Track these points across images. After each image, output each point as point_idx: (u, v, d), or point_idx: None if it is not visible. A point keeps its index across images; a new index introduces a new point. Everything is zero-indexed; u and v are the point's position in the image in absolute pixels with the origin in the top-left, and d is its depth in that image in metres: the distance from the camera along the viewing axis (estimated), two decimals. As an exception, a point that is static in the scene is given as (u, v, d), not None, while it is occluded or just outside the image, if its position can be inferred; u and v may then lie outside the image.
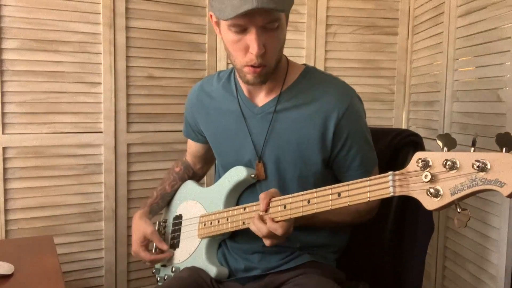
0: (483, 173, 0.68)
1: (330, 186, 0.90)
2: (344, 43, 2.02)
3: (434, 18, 1.84)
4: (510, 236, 1.37)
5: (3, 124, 1.62)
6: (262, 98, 1.11)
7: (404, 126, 2.07)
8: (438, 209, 0.74)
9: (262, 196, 0.99)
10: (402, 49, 2.05)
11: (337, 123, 1.04)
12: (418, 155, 0.76)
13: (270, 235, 0.95)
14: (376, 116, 2.06)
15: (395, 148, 1.22)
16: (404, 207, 1.15)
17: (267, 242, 0.98)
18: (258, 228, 0.96)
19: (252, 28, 0.94)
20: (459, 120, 1.63)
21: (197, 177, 1.38)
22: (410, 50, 2.04)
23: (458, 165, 0.71)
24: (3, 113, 1.62)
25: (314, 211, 0.92)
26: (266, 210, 0.98)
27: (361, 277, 1.18)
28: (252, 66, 0.98)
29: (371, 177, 0.84)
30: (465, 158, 0.70)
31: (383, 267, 1.19)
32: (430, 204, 0.74)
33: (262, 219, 0.97)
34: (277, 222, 0.95)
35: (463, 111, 1.62)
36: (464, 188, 0.70)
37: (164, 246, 1.21)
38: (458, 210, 0.72)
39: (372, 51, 2.04)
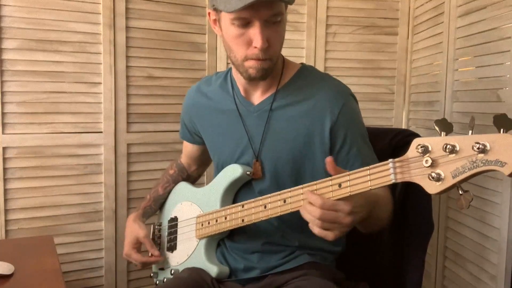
0: (483, 154, 0.68)
1: (330, 178, 0.88)
2: (344, 43, 2.02)
3: (434, 18, 1.84)
4: (510, 236, 1.37)
5: (3, 124, 1.62)
6: (258, 97, 1.11)
7: (404, 126, 2.07)
8: (441, 193, 0.74)
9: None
10: (402, 49, 2.05)
11: (334, 120, 1.03)
12: (417, 141, 0.77)
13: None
14: (376, 116, 2.06)
15: (395, 148, 1.22)
16: (404, 207, 1.15)
17: (317, 230, 0.85)
18: (314, 201, 0.85)
19: (256, 21, 0.94)
20: (459, 120, 1.63)
21: (192, 179, 1.37)
22: (410, 50, 2.04)
23: (458, 148, 0.71)
24: (3, 113, 1.62)
25: None
26: None
27: (361, 277, 1.18)
28: (256, 58, 0.98)
29: (371, 166, 0.83)
30: (465, 141, 0.71)
31: (383, 267, 1.19)
32: (432, 188, 0.74)
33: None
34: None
35: (463, 111, 1.62)
36: (465, 170, 0.71)
37: (156, 252, 1.23)
38: (460, 192, 0.73)
39: (372, 51, 2.04)
